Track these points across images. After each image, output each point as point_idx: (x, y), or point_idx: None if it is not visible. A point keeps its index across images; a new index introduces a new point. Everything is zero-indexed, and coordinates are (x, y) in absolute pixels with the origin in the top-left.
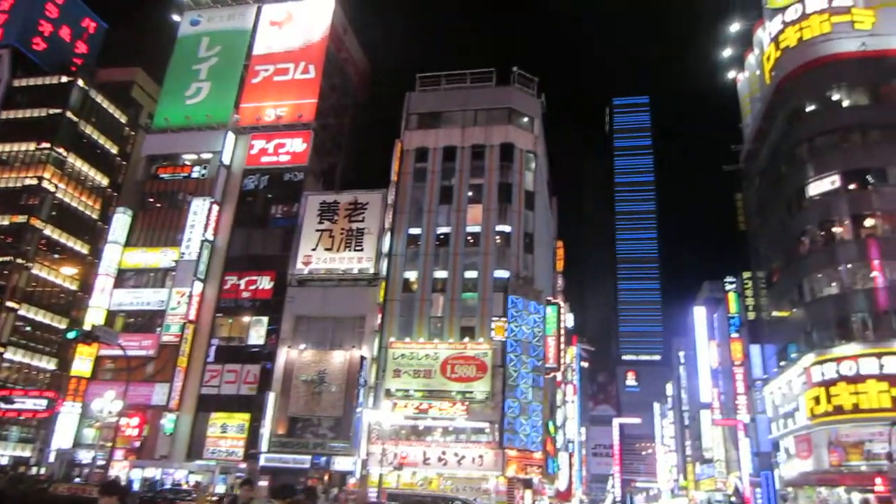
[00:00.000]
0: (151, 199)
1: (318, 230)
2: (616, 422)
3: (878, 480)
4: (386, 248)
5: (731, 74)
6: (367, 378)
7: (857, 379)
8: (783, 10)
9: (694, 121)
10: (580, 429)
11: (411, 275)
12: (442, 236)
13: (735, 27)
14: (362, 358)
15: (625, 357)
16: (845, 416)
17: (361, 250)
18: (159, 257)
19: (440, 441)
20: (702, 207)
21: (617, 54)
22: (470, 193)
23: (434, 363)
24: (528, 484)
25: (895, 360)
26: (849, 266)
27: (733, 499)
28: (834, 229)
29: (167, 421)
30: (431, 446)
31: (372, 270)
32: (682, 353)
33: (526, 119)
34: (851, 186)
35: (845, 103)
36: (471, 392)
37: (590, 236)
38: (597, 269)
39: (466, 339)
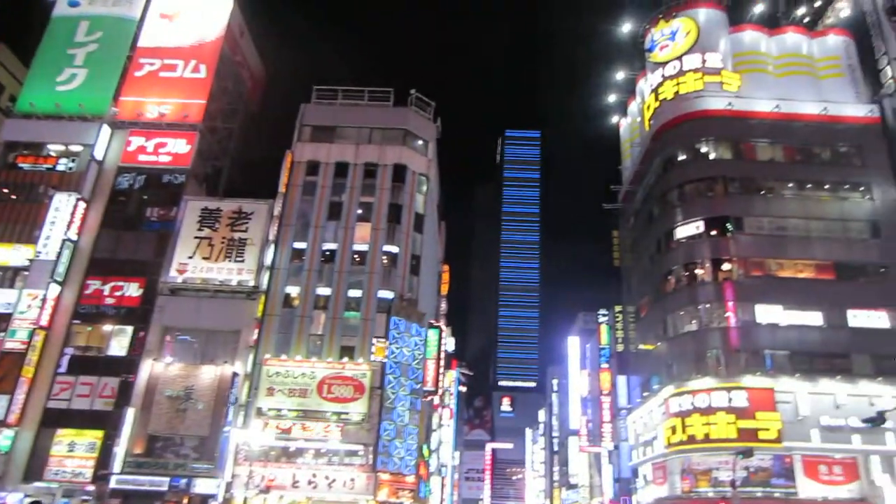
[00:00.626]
0: (6, 190)
1: (196, 237)
2: (489, 447)
3: None
4: (268, 260)
5: (614, 119)
6: (238, 395)
7: (709, 411)
8: (664, 64)
9: (580, 159)
10: (454, 453)
11: (293, 290)
12: (328, 252)
13: (621, 75)
14: (234, 374)
15: (501, 383)
16: (697, 445)
17: (242, 261)
18: (10, 254)
19: (311, 463)
20: (583, 242)
21: (513, 87)
22: (359, 211)
23: (310, 382)
24: None
25: (742, 394)
26: (707, 306)
27: None
28: (696, 271)
29: (3, 437)
30: (302, 468)
31: (252, 283)
32: (555, 381)
33: (421, 142)
34: (713, 232)
35: (711, 156)
36: (346, 413)
37: (475, 262)
38: (480, 295)
39: (346, 359)
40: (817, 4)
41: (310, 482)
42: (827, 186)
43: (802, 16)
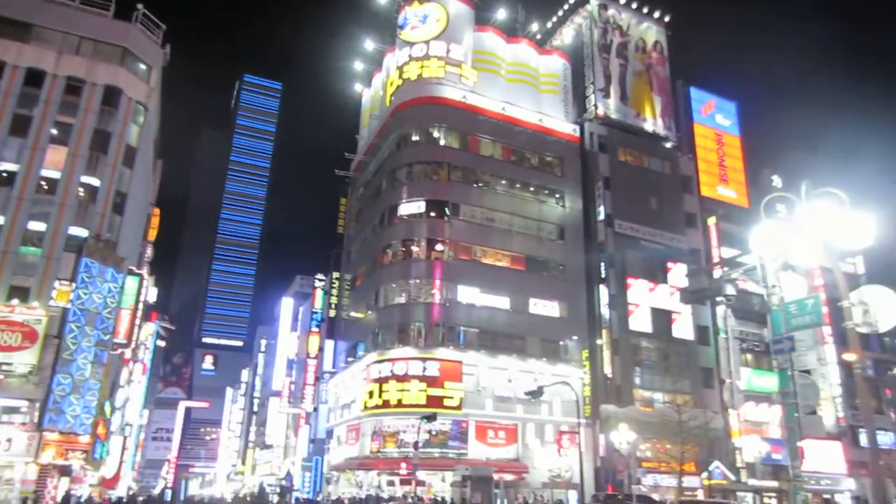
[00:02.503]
0: None
1: None
2: (182, 405)
3: (403, 465)
4: None
5: (358, 87)
6: None
7: (405, 378)
8: (412, 45)
9: (320, 120)
10: (143, 411)
11: None
12: (6, 174)
13: (371, 45)
14: None
15: (206, 340)
16: (391, 409)
17: None
18: None
19: None
20: (310, 204)
21: (259, 33)
22: (55, 132)
23: None
24: (65, 471)
25: (436, 364)
26: (417, 281)
27: (284, 482)
28: (413, 248)
29: None
30: None
31: None
32: (264, 342)
33: (143, 66)
34: (432, 214)
35: (442, 142)
36: (10, 364)
37: (194, 210)
38: (194, 245)
39: (16, 301)
40: (549, 25)
41: None
42: (532, 189)
43: (536, 32)
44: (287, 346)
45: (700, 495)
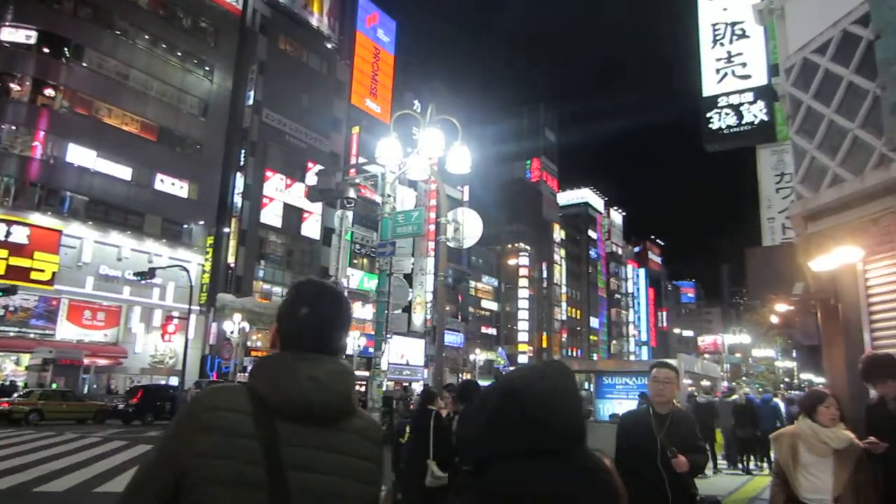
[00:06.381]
0: None
1: None
2: None
3: None
4: None
5: None
6: None
7: None
8: None
9: None
10: None
11: None
12: None
13: None
14: None
15: None
16: None
17: None
18: None
19: None
20: None
21: None
22: None
23: None
24: None
25: (25, 230)
26: (13, 127)
27: None
28: (12, 85)
29: None
30: None
31: None
32: None
33: None
34: (46, 50)
35: None
36: None
37: None
38: None
39: None
40: None
41: None
42: (179, 54)
43: None
44: None
45: None
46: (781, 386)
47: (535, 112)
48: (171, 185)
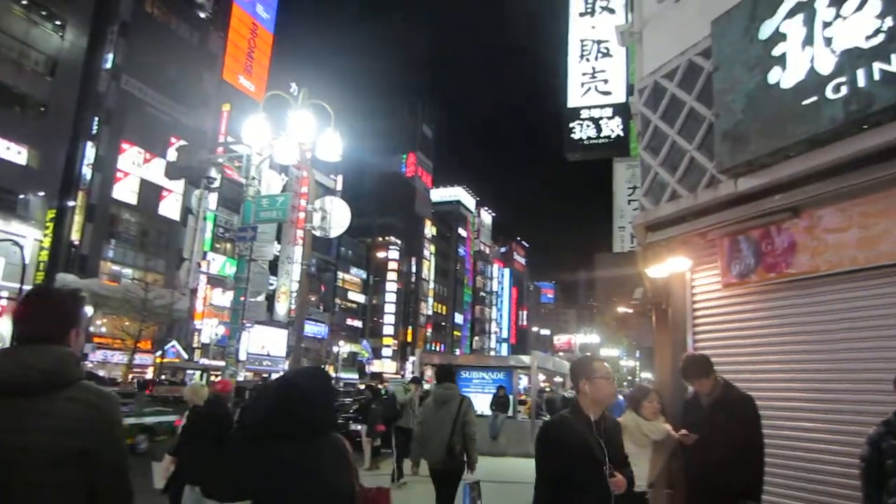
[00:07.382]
0: None
1: None
2: None
3: None
4: None
5: None
6: None
7: None
8: None
9: None
10: None
11: None
12: None
13: None
14: None
15: None
16: None
17: None
18: None
19: None
20: None
21: None
22: None
23: None
24: None
25: None
26: None
27: None
28: None
29: None
30: None
31: None
32: None
33: None
34: None
35: None
36: None
37: None
38: None
39: None
40: None
41: None
42: (24, 2)
43: None
44: None
45: (150, 373)
46: (624, 384)
47: (414, 107)
48: (7, 150)
